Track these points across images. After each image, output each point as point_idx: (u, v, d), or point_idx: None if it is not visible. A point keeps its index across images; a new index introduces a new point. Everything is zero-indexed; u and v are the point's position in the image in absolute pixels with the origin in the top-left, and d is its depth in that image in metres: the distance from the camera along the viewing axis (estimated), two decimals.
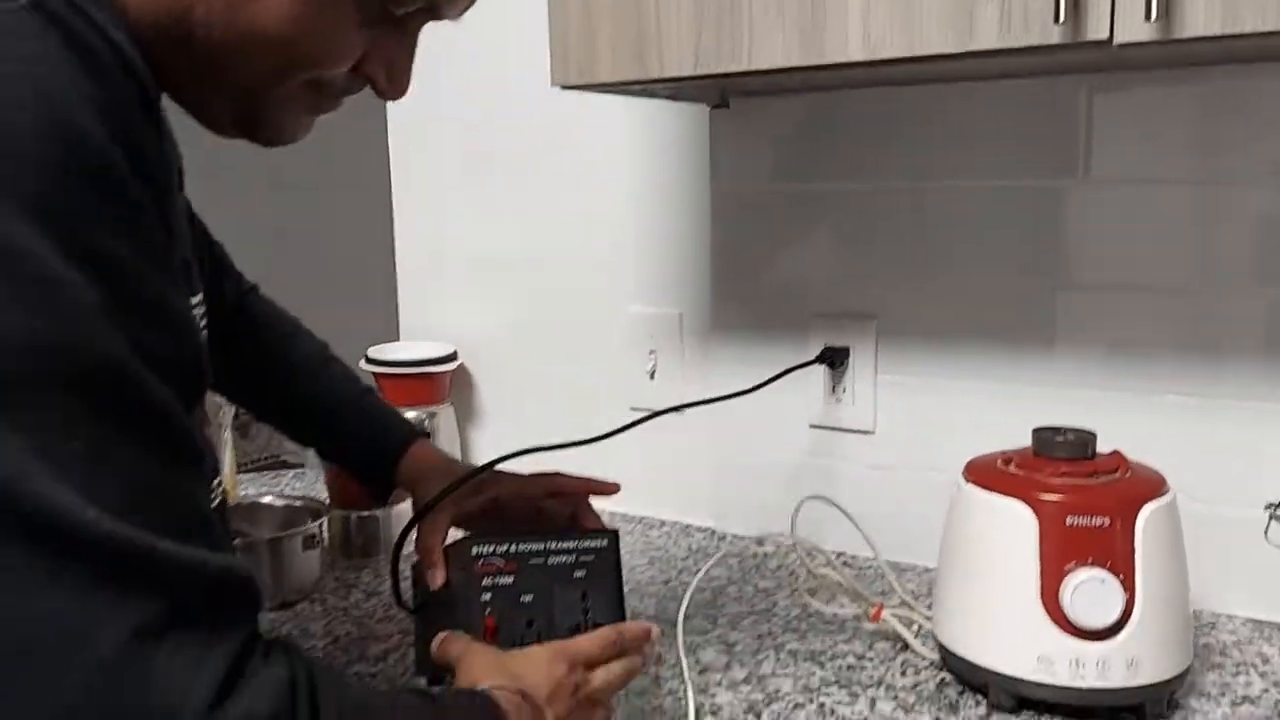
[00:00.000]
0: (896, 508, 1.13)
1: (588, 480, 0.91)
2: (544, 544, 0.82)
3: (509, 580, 0.81)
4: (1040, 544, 0.81)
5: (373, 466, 0.96)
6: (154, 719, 0.44)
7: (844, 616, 1.02)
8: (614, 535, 0.86)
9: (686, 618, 1.03)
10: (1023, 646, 0.81)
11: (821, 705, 0.86)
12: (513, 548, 0.81)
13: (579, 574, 0.83)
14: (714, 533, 1.27)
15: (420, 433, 0.97)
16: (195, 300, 0.66)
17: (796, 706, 0.86)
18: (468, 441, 1.47)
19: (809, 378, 1.18)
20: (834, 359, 1.15)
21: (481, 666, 0.69)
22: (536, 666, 0.70)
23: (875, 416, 1.16)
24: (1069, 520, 0.81)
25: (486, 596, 0.80)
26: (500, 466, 0.88)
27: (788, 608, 1.06)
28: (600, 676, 0.73)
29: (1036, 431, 0.88)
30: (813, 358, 1.15)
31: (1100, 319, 1.04)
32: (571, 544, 0.83)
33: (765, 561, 1.19)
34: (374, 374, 1.37)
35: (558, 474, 0.91)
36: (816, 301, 1.18)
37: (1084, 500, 0.81)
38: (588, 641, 0.75)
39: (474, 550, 0.81)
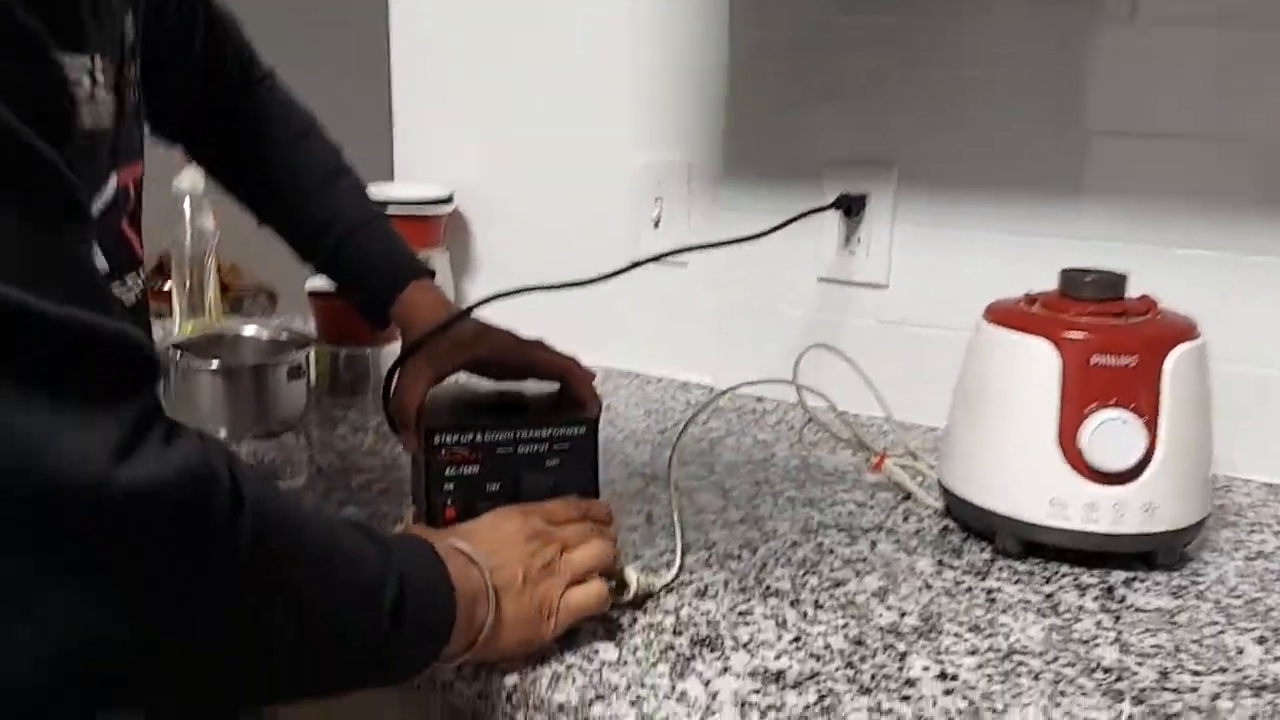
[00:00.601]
0: (907, 366, 1.08)
1: (569, 361, 0.83)
2: (513, 433, 0.76)
3: (474, 470, 0.75)
4: (1062, 383, 0.77)
5: (369, 299, 0.90)
6: (34, 483, 0.40)
7: (844, 468, 0.99)
8: (592, 423, 0.78)
9: (682, 464, 1.00)
10: (1035, 489, 0.78)
11: (820, 544, 0.83)
12: (479, 437, 0.75)
13: (552, 462, 0.77)
14: (713, 390, 1.22)
15: (424, 271, 0.90)
16: (82, 61, 0.56)
17: (794, 545, 0.83)
18: (461, 291, 1.42)
19: (821, 229, 1.12)
20: (850, 206, 1.09)
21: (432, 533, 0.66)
22: (487, 525, 0.67)
23: (890, 269, 1.11)
24: (1094, 360, 0.76)
25: (449, 486, 0.75)
26: (491, 315, 0.82)
27: (787, 458, 1.02)
28: (573, 535, 0.68)
29: (1065, 272, 0.83)
30: (829, 203, 1.09)
31: (1132, 167, 0.98)
32: (545, 431, 0.76)
33: (764, 416, 1.15)
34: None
35: (541, 347, 0.83)
36: (834, 148, 1.12)
37: (1111, 339, 0.77)
38: (552, 504, 0.72)
39: (436, 440, 0.75)
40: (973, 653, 0.67)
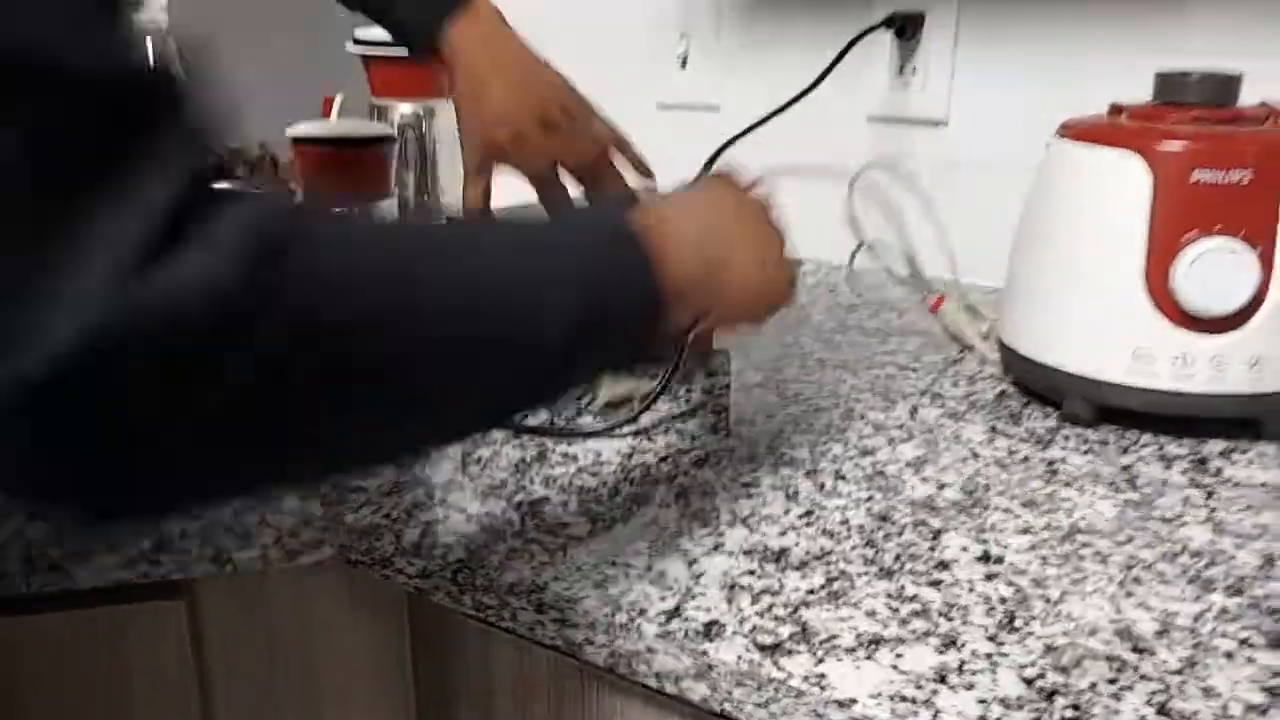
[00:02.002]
0: (972, 217, 0.93)
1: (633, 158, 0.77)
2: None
3: None
4: (1153, 206, 0.61)
5: (410, 32, 0.77)
6: (38, 283, 0.28)
7: (889, 329, 0.85)
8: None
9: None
10: (1113, 340, 0.63)
11: (850, 411, 0.70)
12: None
13: None
14: None
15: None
16: None
17: (817, 410, 0.70)
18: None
19: (869, 59, 0.96)
20: (904, 26, 0.93)
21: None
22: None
23: (950, 103, 0.95)
24: (1196, 176, 0.61)
25: None
26: None
27: (822, 321, 0.89)
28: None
29: (1162, 75, 0.67)
30: (877, 23, 0.93)
31: None
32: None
33: (803, 278, 1.01)
34: (362, 56, 1.18)
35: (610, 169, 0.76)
36: None
37: (1218, 150, 0.61)
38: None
39: None
40: (1025, 531, 0.54)
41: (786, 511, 0.56)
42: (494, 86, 0.74)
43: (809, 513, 0.56)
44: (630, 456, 0.63)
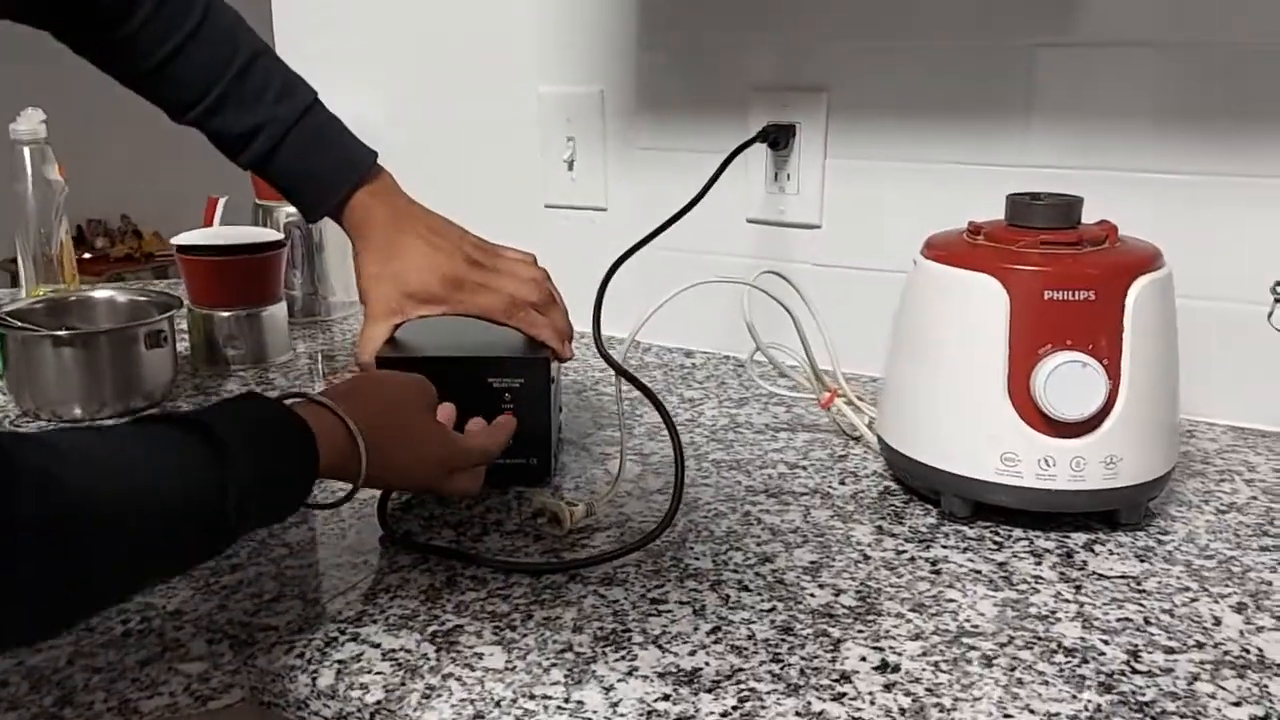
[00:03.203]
0: (846, 313, 0.99)
1: (543, 337, 0.79)
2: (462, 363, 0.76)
3: None
4: (1011, 323, 0.67)
5: (317, 208, 0.80)
6: None
7: (778, 426, 0.89)
8: (544, 363, 0.77)
9: (598, 427, 0.90)
10: (983, 444, 0.69)
11: (747, 514, 0.73)
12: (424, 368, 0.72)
13: (506, 402, 0.76)
14: (637, 344, 1.12)
15: (367, 169, 0.79)
16: None
17: (717, 515, 0.73)
18: None
19: (748, 165, 1.02)
20: (778, 138, 0.99)
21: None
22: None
23: (823, 207, 1.01)
24: (1047, 294, 0.67)
25: None
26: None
27: (715, 418, 0.93)
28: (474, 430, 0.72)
29: (1012, 197, 0.73)
30: (753, 136, 0.99)
31: (1086, 83, 0.88)
32: (495, 380, 0.75)
33: (693, 372, 1.05)
34: None
35: (525, 316, 0.79)
36: (759, 72, 1.01)
37: (1066, 271, 0.68)
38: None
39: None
40: (916, 636, 0.58)
41: (695, 629, 0.59)
42: (404, 252, 0.77)
43: (716, 629, 0.59)
44: (539, 576, 0.65)
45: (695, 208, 0.94)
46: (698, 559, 0.67)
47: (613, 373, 0.81)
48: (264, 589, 0.64)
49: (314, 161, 0.78)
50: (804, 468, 0.81)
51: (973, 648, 0.57)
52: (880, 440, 0.78)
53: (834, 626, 0.59)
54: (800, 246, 1.03)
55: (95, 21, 0.75)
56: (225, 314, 1.02)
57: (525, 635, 0.58)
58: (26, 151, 0.99)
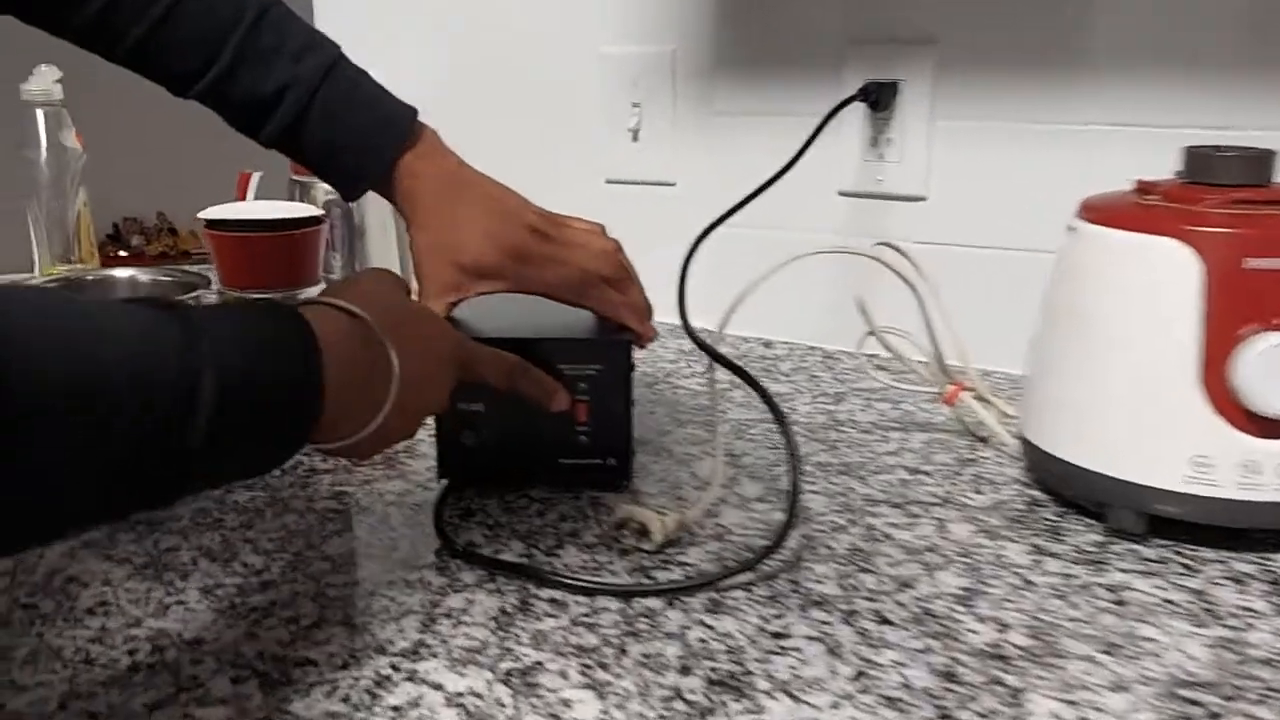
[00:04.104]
0: (953, 298, 0.87)
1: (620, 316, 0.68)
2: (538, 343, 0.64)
3: (479, 407, 0.64)
4: (1206, 298, 0.55)
5: (355, 180, 0.69)
6: None
7: (886, 424, 0.78)
8: (624, 346, 0.65)
9: (676, 424, 0.79)
10: (1167, 446, 0.57)
11: (870, 528, 0.61)
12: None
13: (581, 392, 0.64)
14: (708, 333, 1.00)
15: (409, 126, 0.68)
16: None
17: (835, 529, 0.61)
18: (403, 230, 1.18)
19: (839, 130, 0.90)
20: (879, 97, 0.87)
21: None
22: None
23: (929, 176, 0.89)
24: (1249, 262, 0.55)
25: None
26: None
27: (810, 415, 0.81)
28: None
29: (1191, 149, 0.61)
30: (851, 95, 0.87)
31: (1255, 32, 0.76)
32: (568, 367, 0.64)
33: (776, 365, 0.94)
34: None
35: (599, 294, 0.68)
36: (857, 22, 0.89)
37: (1271, 234, 0.55)
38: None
39: None
40: (1118, 687, 0.46)
41: (833, 672, 0.47)
42: (460, 221, 0.66)
43: (861, 674, 0.47)
44: (630, 600, 0.53)
45: (780, 179, 0.82)
46: (820, 582, 0.55)
47: (688, 363, 0.70)
48: (300, 612, 0.53)
49: (349, 125, 0.66)
50: (927, 473, 0.70)
51: (1194, 702, 0.45)
52: (1024, 442, 0.66)
53: (1009, 672, 0.47)
54: (900, 222, 0.91)
55: None
56: (258, 296, 0.92)
57: (621, 676, 0.47)
58: (40, 114, 0.89)
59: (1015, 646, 0.49)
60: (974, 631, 0.50)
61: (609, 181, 1.05)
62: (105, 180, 0.96)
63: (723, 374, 0.69)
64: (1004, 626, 0.51)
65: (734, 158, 0.98)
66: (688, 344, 1.00)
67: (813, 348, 0.98)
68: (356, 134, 0.67)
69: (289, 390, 0.44)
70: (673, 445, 0.75)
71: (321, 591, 0.55)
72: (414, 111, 0.68)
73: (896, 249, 0.73)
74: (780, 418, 0.62)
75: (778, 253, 0.71)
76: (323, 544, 0.60)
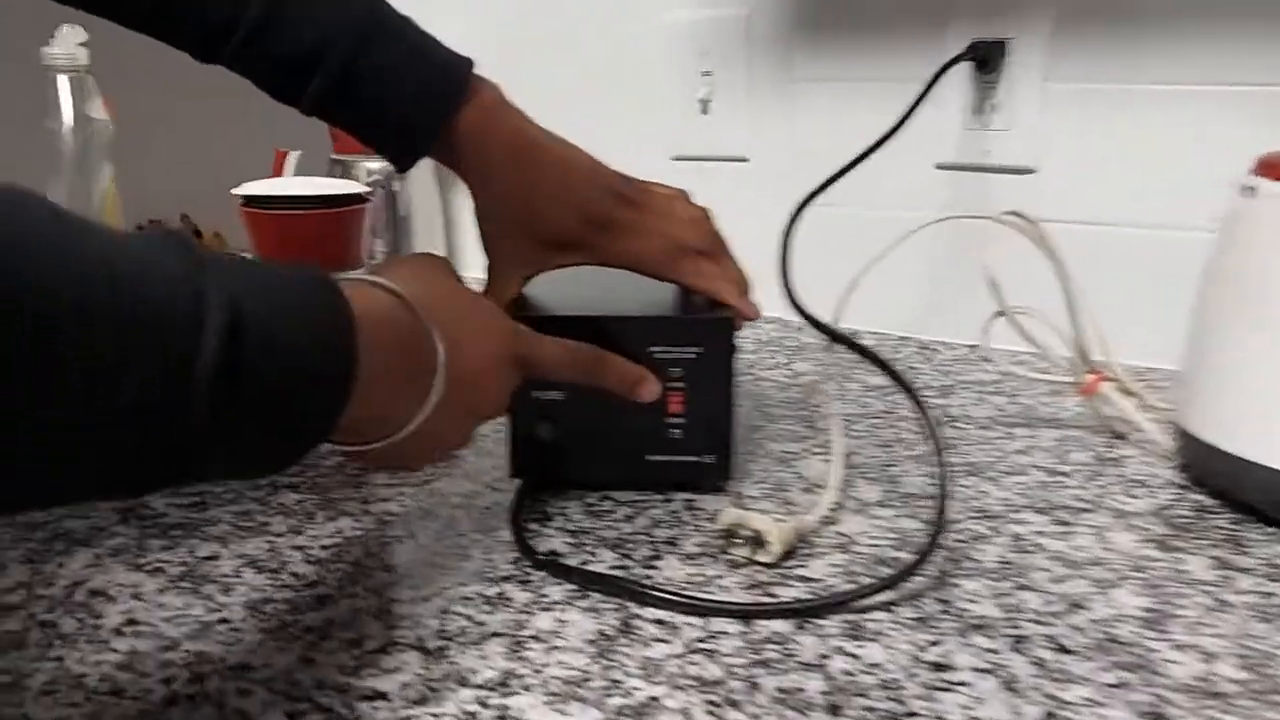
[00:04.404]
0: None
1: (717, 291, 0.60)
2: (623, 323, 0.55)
3: (558, 396, 0.56)
4: None
5: (408, 141, 0.59)
6: None
7: (1006, 417, 0.69)
8: (726, 325, 0.56)
9: (768, 418, 0.71)
10: None
11: (1016, 537, 0.53)
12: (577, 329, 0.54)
13: (674, 379, 0.56)
14: (786, 324, 0.92)
15: (466, 78, 0.58)
16: None
17: (975, 538, 0.53)
18: (451, 207, 1.11)
19: (937, 96, 0.82)
20: (987, 57, 0.79)
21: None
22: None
23: (1040, 146, 0.80)
24: None
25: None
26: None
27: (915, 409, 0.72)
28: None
29: None
30: (959, 54, 0.78)
31: None
32: (660, 350, 0.55)
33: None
34: None
35: (691, 267, 0.60)
36: None
37: None
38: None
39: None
40: None
41: (1017, 714, 0.39)
42: (533, 186, 0.58)
43: (1051, 716, 0.39)
44: (749, 622, 0.45)
45: (875, 151, 0.74)
46: (974, 601, 0.47)
47: (770, 353, 0.62)
48: (364, 632, 0.45)
49: (401, 79, 0.57)
50: (1066, 474, 0.61)
51: None
52: (1184, 437, 0.57)
53: (1230, 712, 0.38)
54: (1006, 197, 0.82)
55: None
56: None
57: (759, 718, 0.38)
58: (64, 81, 0.81)
59: (1230, 680, 0.40)
60: (1174, 662, 0.42)
61: (675, 158, 0.97)
62: (131, 156, 0.88)
63: (803, 365, 0.61)
64: (1208, 656, 0.42)
65: (814, 129, 0.90)
66: (765, 333, 0.92)
67: (905, 338, 0.89)
68: (409, 92, 0.57)
69: (317, 360, 0.36)
70: (766, 441, 0.67)
71: (386, 608, 0.47)
72: (470, 63, 0.59)
73: (1026, 219, 0.64)
74: (923, 410, 0.54)
75: (870, 231, 0.63)
76: (383, 552, 0.52)
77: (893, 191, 0.86)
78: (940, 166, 0.84)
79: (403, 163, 0.61)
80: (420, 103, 0.58)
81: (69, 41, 0.79)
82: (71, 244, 0.29)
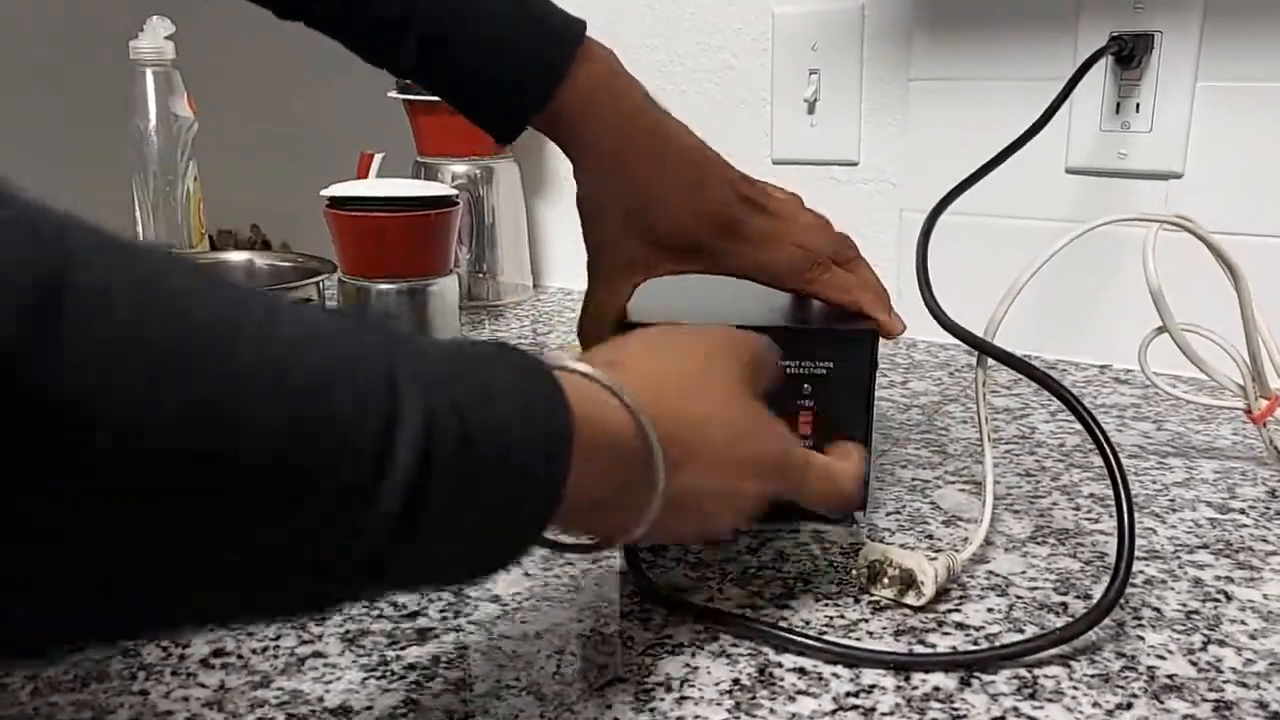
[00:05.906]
0: (1220, 300, 0.72)
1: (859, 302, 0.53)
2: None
3: None
4: None
5: (504, 97, 0.52)
6: None
7: (1155, 445, 0.63)
8: (869, 339, 0.51)
9: (890, 440, 0.65)
10: None
11: (1198, 583, 0.46)
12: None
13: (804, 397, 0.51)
14: (897, 342, 0.86)
15: (576, 39, 0.51)
16: None
17: (1151, 584, 0.47)
18: (535, 216, 1.07)
19: (1072, 95, 0.75)
20: (1131, 51, 0.72)
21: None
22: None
23: (1187, 149, 0.74)
24: None
25: None
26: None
27: (1053, 434, 0.66)
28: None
29: None
30: (1101, 48, 0.72)
31: None
32: (794, 364, 0.50)
33: (991, 374, 0.79)
34: (405, 102, 0.98)
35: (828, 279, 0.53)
36: None
37: None
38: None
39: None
40: None
41: None
42: (652, 178, 0.51)
43: None
44: (907, 676, 0.40)
45: (985, 156, 0.68)
46: (1163, 657, 0.41)
47: (882, 372, 0.56)
48: (472, 672, 0.40)
49: (505, 35, 0.50)
50: (1241, 512, 0.54)
51: None
52: None
53: None
54: (1146, 205, 0.75)
55: None
56: (384, 286, 0.81)
57: None
58: (149, 76, 0.79)
59: None
60: None
61: (777, 162, 0.92)
62: (205, 155, 0.86)
63: (920, 384, 0.55)
64: None
65: (930, 132, 0.84)
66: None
67: (1027, 356, 0.83)
68: (514, 49, 0.51)
69: (527, 451, 0.30)
70: (894, 468, 0.61)
71: (495, 645, 0.42)
72: (583, 24, 0.52)
73: (1188, 223, 0.58)
74: (1106, 442, 0.47)
75: (992, 239, 0.57)
76: (486, 582, 0.48)
77: (1017, 197, 0.79)
78: (1071, 170, 0.78)
79: (504, 132, 0.54)
80: (526, 63, 0.51)
81: (157, 34, 0.77)
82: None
